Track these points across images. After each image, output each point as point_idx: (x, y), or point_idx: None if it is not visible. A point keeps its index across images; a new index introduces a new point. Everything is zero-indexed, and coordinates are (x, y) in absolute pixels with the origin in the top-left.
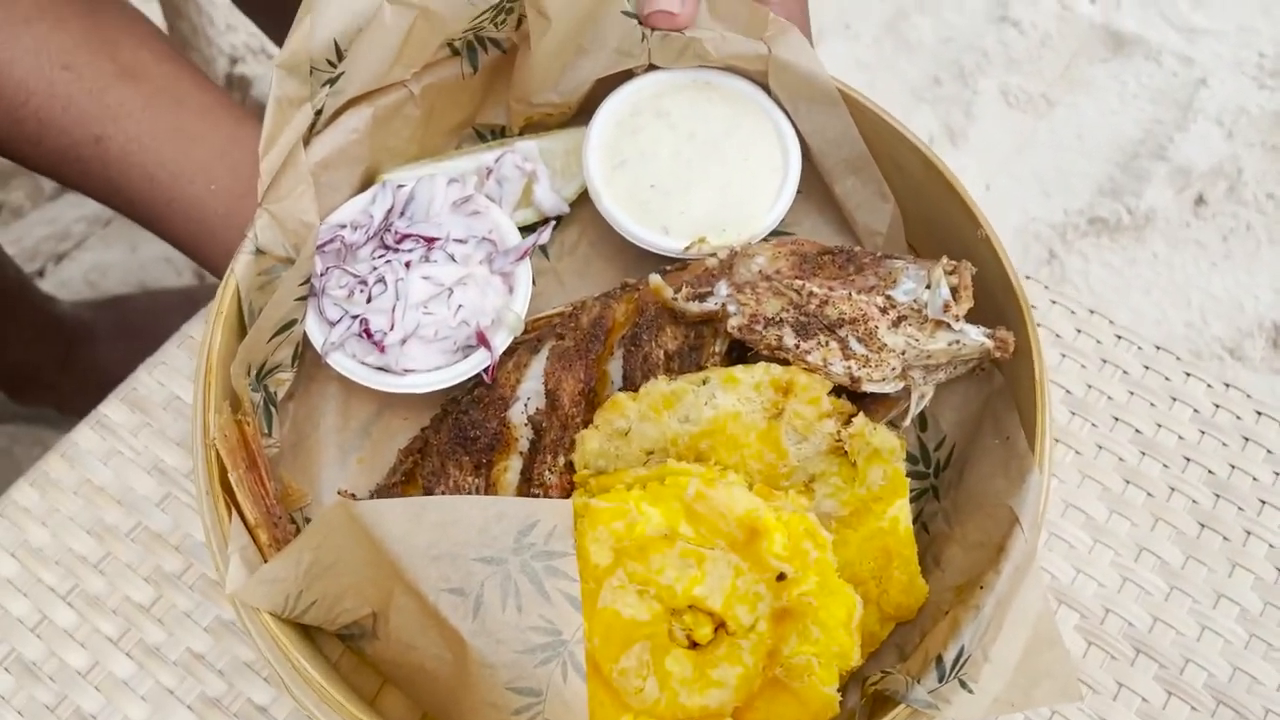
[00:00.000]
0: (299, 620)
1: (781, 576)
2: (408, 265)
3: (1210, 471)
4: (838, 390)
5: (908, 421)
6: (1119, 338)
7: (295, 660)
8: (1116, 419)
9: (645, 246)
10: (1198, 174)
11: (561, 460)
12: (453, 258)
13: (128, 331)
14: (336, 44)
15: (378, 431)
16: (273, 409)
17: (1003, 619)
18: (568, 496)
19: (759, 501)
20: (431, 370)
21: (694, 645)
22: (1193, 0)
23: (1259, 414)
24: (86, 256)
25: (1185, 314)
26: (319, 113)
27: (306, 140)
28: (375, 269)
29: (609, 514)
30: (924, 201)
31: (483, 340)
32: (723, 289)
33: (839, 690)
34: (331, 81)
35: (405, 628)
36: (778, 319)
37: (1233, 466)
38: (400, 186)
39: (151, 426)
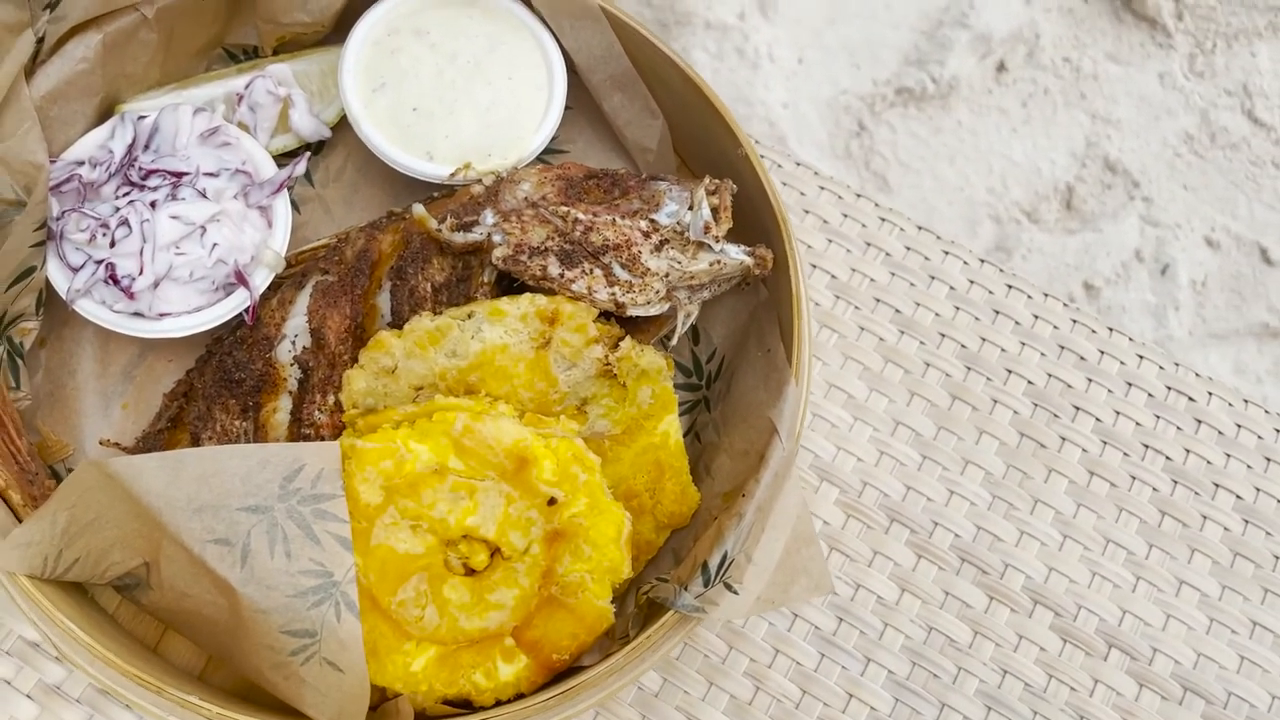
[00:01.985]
0: (63, 579)
1: (552, 501)
2: (153, 205)
3: (963, 346)
4: (605, 315)
5: (674, 340)
6: (883, 220)
7: (60, 621)
8: (878, 300)
9: (409, 174)
10: (998, 40)
11: (331, 399)
12: (203, 194)
13: None
14: None
15: (141, 375)
16: (19, 360)
17: (764, 523)
18: (339, 436)
19: (527, 431)
20: (190, 312)
21: (471, 572)
22: None
23: (1010, 287)
24: None
25: (987, 180)
26: (41, 40)
27: (29, 71)
28: (118, 210)
29: (377, 454)
30: (690, 117)
31: (241, 279)
32: (488, 218)
33: (612, 602)
34: (51, 5)
35: (177, 576)
36: (543, 248)
37: (983, 340)
38: (142, 118)
39: None
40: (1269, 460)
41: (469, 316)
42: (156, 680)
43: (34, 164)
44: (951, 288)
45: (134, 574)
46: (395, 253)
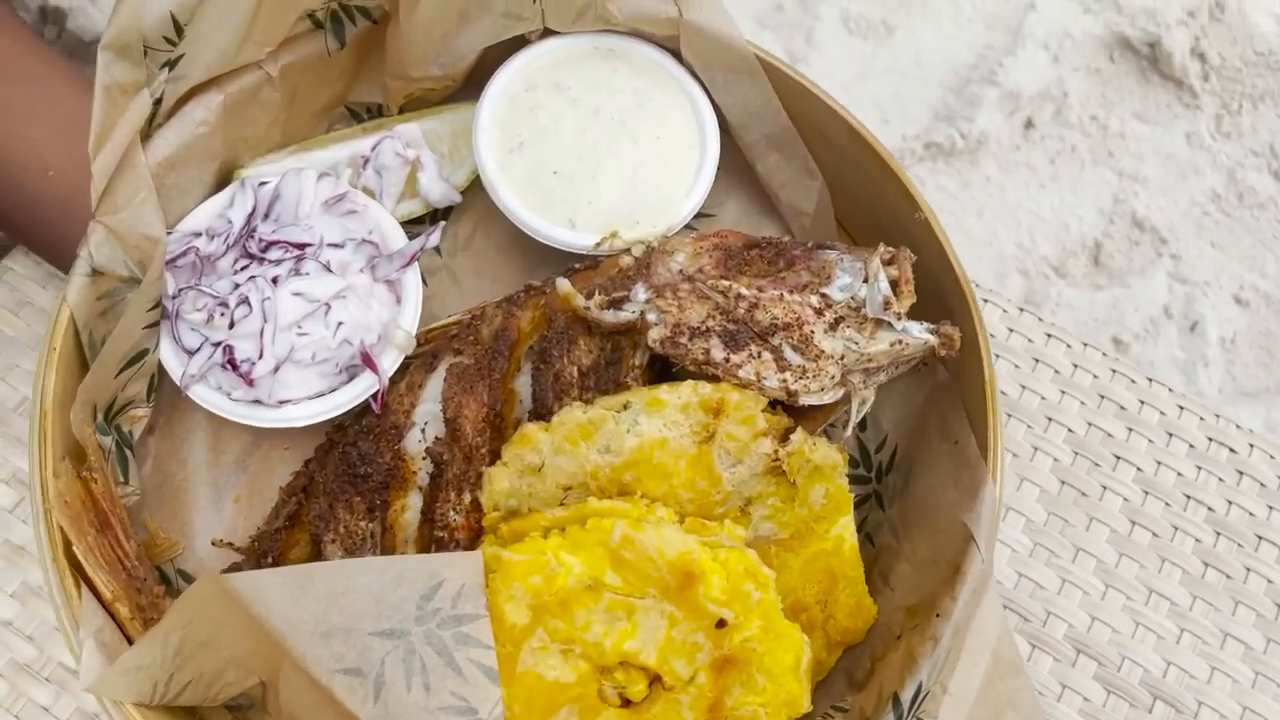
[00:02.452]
0: (172, 704)
1: (721, 623)
2: (275, 281)
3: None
4: (773, 403)
5: (849, 431)
6: (1049, 336)
7: None
8: (1050, 419)
9: (550, 244)
10: (1026, 98)
11: (467, 497)
12: (328, 267)
13: None
14: (174, 18)
15: (255, 464)
16: (128, 452)
17: (960, 647)
18: (476, 538)
19: (692, 541)
20: (311, 398)
21: (627, 704)
22: None
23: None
24: None
25: (1015, 235)
26: (158, 102)
27: (145, 134)
28: (238, 286)
29: (525, 567)
30: (854, 179)
31: (368, 362)
32: (640, 293)
33: None
34: (171, 64)
35: (298, 702)
36: (704, 328)
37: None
38: (262, 184)
39: None
40: None
41: (624, 407)
42: None
43: (150, 237)
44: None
45: (249, 694)
46: (536, 331)
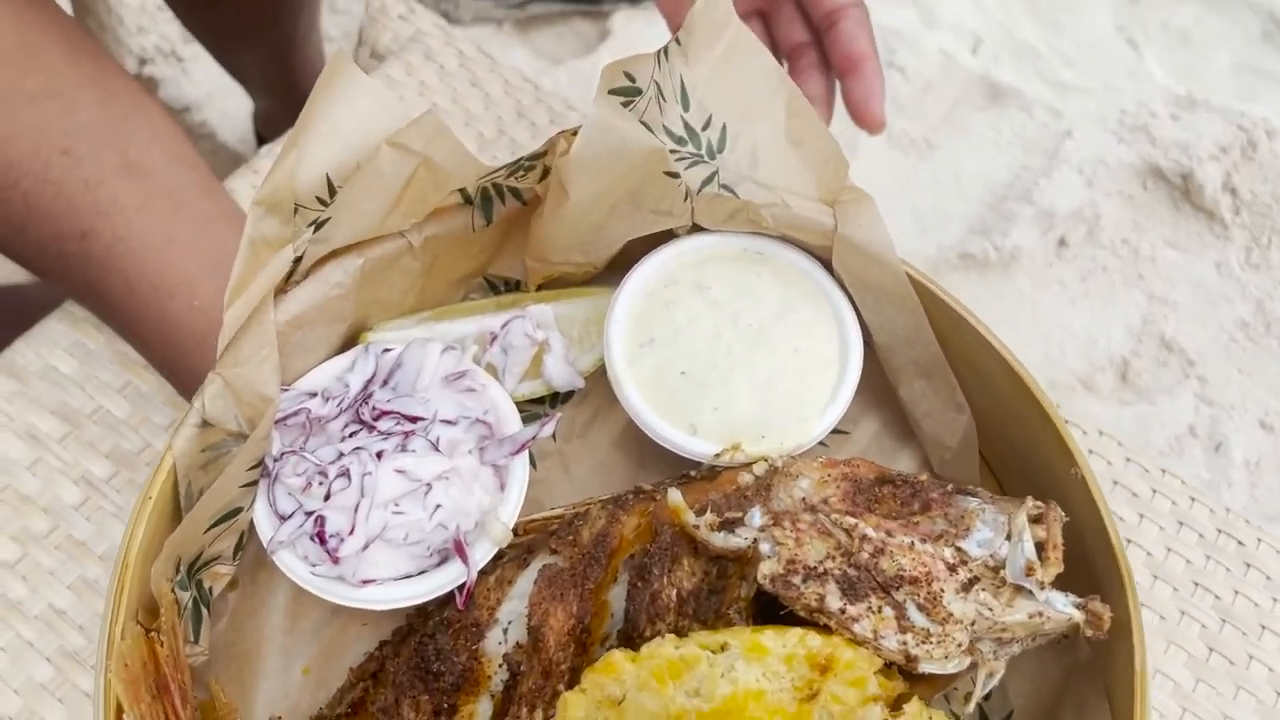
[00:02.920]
0: None
1: None
2: (379, 455)
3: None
4: (887, 664)
5: (970, 707)
6: (1193, 500)
7: None
8: (1196, 584)
9: (668, 447)
10: (1060, 217)
11: (539, 716)
12: (436, 445)
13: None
14: (329, 180)
15: (330, 635)
16: (205, 610)
17: None
18: None
19: None
20: (396, 580)
21: None
22: (1064, 59)
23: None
24: None
25: (1045, 347)
26: (298, 260)
27: (280, 290)
28: (342, 456)
29: None
30: (1006, 419)
31: (460, 551)
32: (756, 518)
33: None
34: (317, 225)
35: None
36: (821, 570)
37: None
38: (386, 351)
39: (27, 395)
40: None
41: (722, 648)
42: None
43: (264, 396)
44: (1268, 577)
45: None
46: (639, 540)
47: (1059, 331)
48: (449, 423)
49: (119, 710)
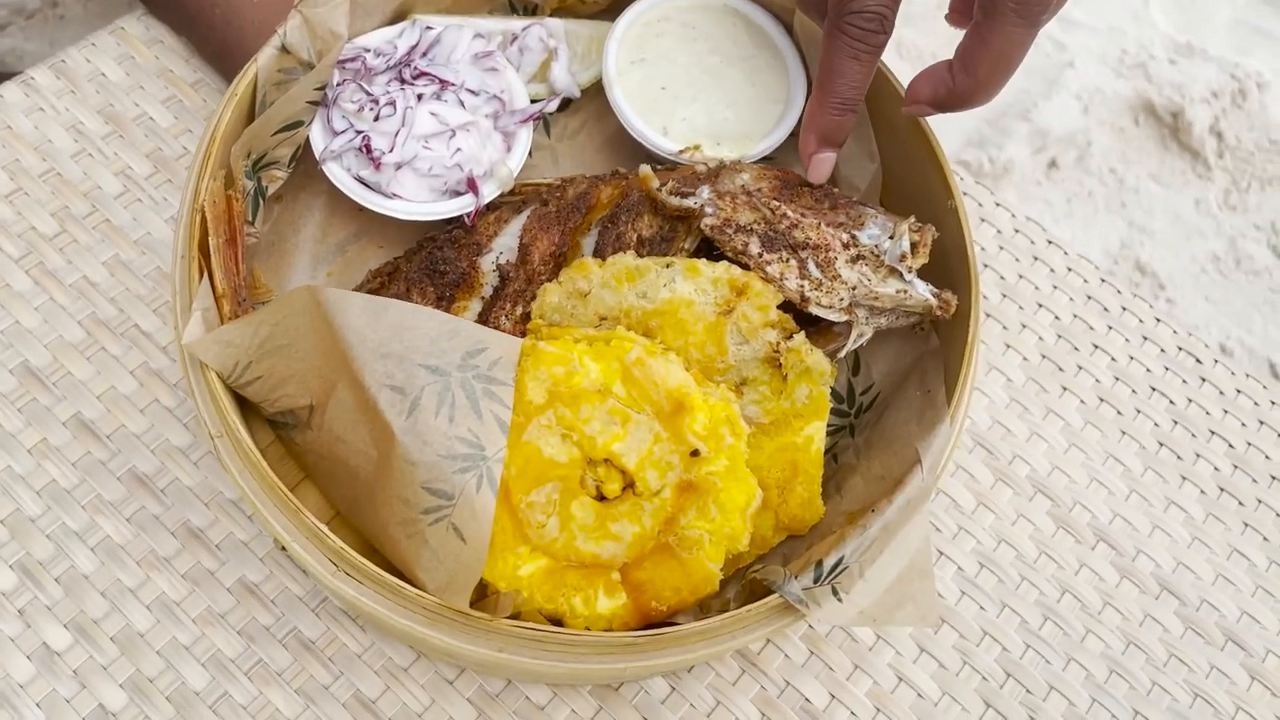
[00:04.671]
0: (240, 390)
1: (695, 453)
2: (419, 98)
3: (1113, 359)
4: (787, 307)
5: (842, 354)
6: (1049, 242)
7: (229, 420)
8: (1040, 305)
9: (643, 141)
10: (1053, 138)
11: (520, 310)
12: (462, 104)
13: None
14: None
15: (353, 251)
16: (261, 200)
17: (885, 544)
18: None
19: (691, 380)
20: (418, 202)
21: (601, 497)
22: None
23: (1158, 320)
24: (5, 42)
25: None
26: None
27: None
28: (388, 92)
29: (552, 358)
30: (902, 163)
31: (472, 186)
32: (704, 192)
33: (721, 570)
34: None
35: (339, 420)
36: (748, 228)
37: (1130, 357)
38: (429, 28)
39: (75, 94)
40: None
41: (668, 265)
42: (296, 502)
43: (334, 33)
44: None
45: (296, 414)
46: (611, 203)
47: None
48: (472, 92)
49: (203, 237)
